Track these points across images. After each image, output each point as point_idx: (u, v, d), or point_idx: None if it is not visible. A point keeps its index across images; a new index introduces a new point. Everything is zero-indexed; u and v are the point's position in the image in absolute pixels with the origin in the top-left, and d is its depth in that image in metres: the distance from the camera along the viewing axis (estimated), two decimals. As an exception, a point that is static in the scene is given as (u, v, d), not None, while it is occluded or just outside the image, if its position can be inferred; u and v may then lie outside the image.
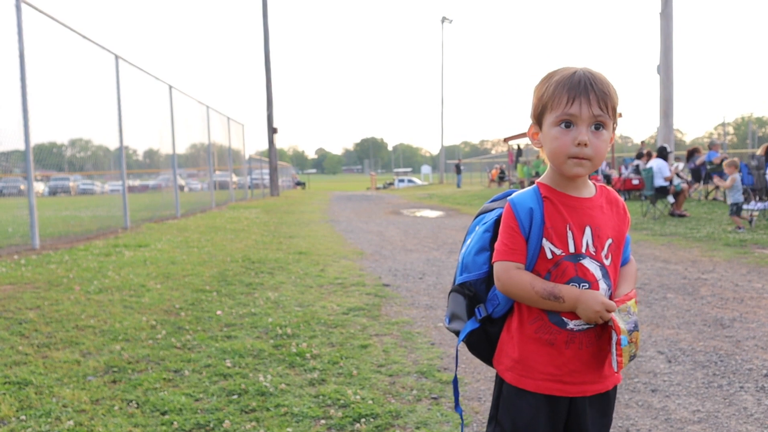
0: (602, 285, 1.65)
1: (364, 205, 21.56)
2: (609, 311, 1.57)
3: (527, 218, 1.62)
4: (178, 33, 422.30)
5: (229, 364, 3.72)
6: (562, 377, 1.64)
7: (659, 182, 13.05)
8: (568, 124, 1.57)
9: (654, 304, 5.34)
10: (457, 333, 1.79)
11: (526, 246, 1.63)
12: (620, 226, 1.71)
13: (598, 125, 1.59)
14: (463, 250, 1.82)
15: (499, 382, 1.73)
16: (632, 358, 1.61)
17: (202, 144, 19.72)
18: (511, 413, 1.68)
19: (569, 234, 1.63)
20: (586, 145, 1.57)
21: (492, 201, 1.85)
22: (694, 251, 8.26)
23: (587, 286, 1.63)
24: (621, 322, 1.58)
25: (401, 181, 56.53)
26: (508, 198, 1.69)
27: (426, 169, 74.68)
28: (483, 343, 1.76)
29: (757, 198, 12.88)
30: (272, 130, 29.72)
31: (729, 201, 11.00)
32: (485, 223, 1.77)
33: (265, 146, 31.99)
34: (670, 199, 13.13)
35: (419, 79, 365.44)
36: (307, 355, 3.91)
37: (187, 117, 17.25)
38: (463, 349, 1.88)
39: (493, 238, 1.72)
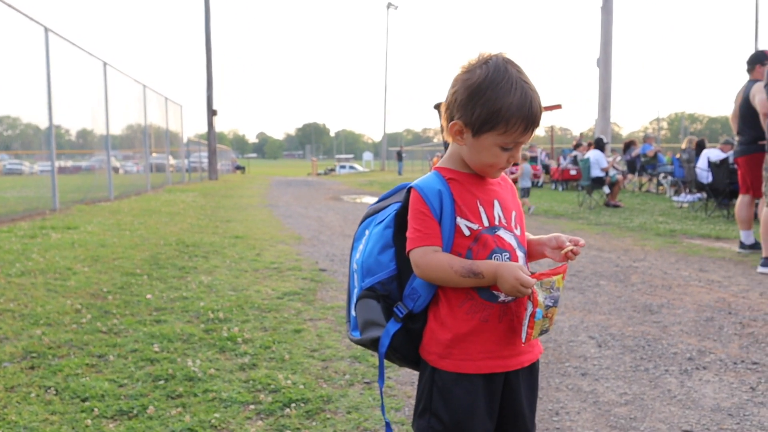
0: (519, 253, 1.68)
1: (305, 191, 21.41)
2: (525, 286, 1.55)
3: (437, 200, 1.63)
4: (113, 6, 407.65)
5: (156, 349, 3.60)
6: (500, 352, 1.64)
7: (596, 173, 13.40)
8: (509, 148, 1.61)
9: (587, 290, 5.47)
10: (373, 342, 1.72)
11: (439, 229, 1.63)
12: (515, 201, 1.77)
13: None
14: (357, 257, 1.78)
15: (431, 372, 1.69)
16: (543, 332, 1.62)
17: (138, 125, 19.10)
18: (449, 402, 1.65)
19: (481, 209, 1.65)
20: (517, 162, 1.67)
21: (380, 200, 1.83)
22: (627, 240, 8.51)
23: (508, 256, 1.65)
24: (540, 295, 1.57)
25: (343, 167, 56.42)
26: (412, 185, 1.68)
27: (368, 155, 74.71)
28: (407, 343, 1.71)
29: (687, 190, 13.42)
30: (212, 112, 29.08)
31: (518, 186, 12.43)
32: (382, 221, 1.75)
33: (204, 129, 31.34)
34: (606, 189, 13.52)
35: (363, 65, 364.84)
36: (239, 339, 3.84)
37: (122, 96, 16.67)
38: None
39: (396, 233, 1.70)
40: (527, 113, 1.57)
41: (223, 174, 37.45)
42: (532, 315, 1.57)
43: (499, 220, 1.67)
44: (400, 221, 1.70)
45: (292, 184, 26.86)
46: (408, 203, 1.68)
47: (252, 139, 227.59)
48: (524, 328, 1.59)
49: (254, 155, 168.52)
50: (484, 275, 1.58)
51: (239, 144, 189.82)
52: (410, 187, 1.69)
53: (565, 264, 1.66)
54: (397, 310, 1.70)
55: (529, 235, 1.81)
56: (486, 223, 1.65)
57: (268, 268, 6.25)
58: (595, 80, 20.10)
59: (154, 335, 3.86)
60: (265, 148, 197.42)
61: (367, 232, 1.79)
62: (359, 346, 3.73)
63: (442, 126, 1.73)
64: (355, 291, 1.80)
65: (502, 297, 1.63)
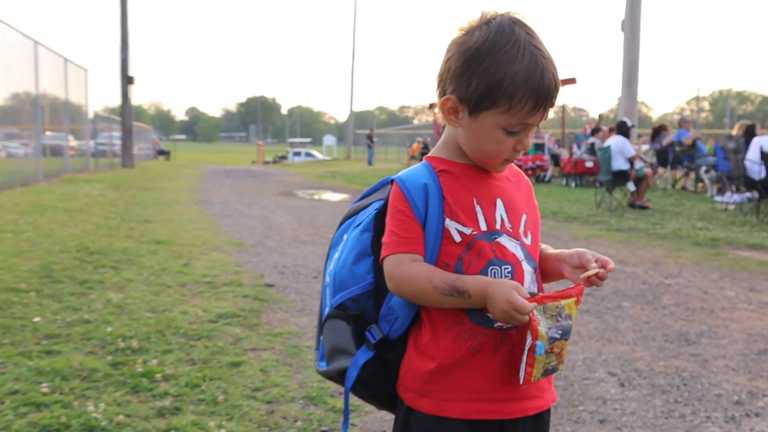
0: (526, 267, 1.67)
1: (248, 184, 21.31)
2: (520, 312, 1.53)
3: (422, 197, 1.64)
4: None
5: (45, 390, 3.53)
6: (493, 393, 1.64)
7: (618, 165, 13.52)
8: (516, 131, 1.61)
9: (606, 314, 5.51)
10: (341, 374, 1.72)
11: (422, 233, 1.64)
12: (529, 202, 1.77)
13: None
14: (330, 268, 1.80)
15: (406, 412, 1.69)
16: (549, 372, 1.61)
17: (26, 93, 18.77)
18: None
19: (478, 209, 1.66)
20: (526, 149, 1.66)
21: (363, 197, 1.85)
22: (657, 251, 8.62)
23: (509, 270, 1.64)
24: (542, 324, 1.55)
25: (297, 154, 56.31)
26: (394, 177, 1.70)
27: (330, 140, 74.58)
28: (381, 378, 1.71)
29: (734, 188, 13.61)
30: (127, 80, 28.78)
31: None
32: (360, 224, 1.76)
33: (116, 101, 30.96)
34: (631, 186, 13.66)
35: (325, 27, 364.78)
36: (158, 375, 3.79)
37: (5, 55, 16.35)
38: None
39: (376, 237, 1.72)
40: (537, 86, 1.56)
41: (141, 160, 37.09)
42: (531, 349, 1.56)
43: (502, 224, 1.67)
44: (380, 223, 1.71)
45: (231, 174, 26.70)
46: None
47: (180, 115, 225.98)
48: (522, 366, 1.58)
49: (183, 137, 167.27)
50: (471, 294, 1.57)
51: (163, 122, 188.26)
52: (392, 180, 1.70)
53: (580, 285, 1.64)
54: (370, 334, 1.70)
55: (547, 248, 1.80)
56: (483, 227, 1.65)
57: (198, 282, 6.21)
58: (618, 48, 20.32)
59: (43, 371, 3.78)
60: (196, 128, 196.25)
61: (345, 237, 1.80)
62: (315, 385, 3.71)
63: (436, 104, 1.73)
64: (325, 310, 1.81)
65: (499, 322, 1.61)
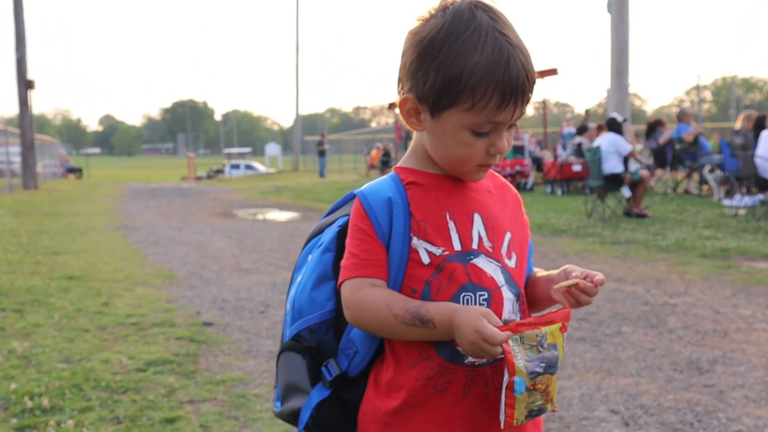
0: (506, 293, 1.68)
1: (178, 204, 21.18)
2: (490, 343, 1.52)
3: (385, 214, 1.66)
4: None
5: (-60, 460, 3.46)
6: None
7: (611, 167, 13.64)
8: (486, 131, 1.62)
9: (604, 341, 5.56)
10: (295, 416, 1.74)
11: (385, 255, 1.66)
12: (517, 218, 1.79)
13: (515, 124, 1.67)
14: (291, 293, 1.83)
15: None
16: (535, 413, 1.59)
17: None
18: None
19: (450, 225, 1.67)
20: (502, 153, 1.66)
21: (329, 213, 1.88)
22: (660, 266, 8.73)
23: (485, 296, 1.65)
24: (520, 356, 1.54)
25: (235, 167, 56.09)
26: (356, 192, 1.73)
27: (273, 149, 74.39)
28: (338, 421, 1.72)
29: (744, 190, 13.80)
30: (26, 84, 28.42)
31: None
32: (323, 244, 1.79)
33: (14, 110, 30.57)
34: (625, 192, 13.81)
35: (263, 17, 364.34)
36: (76, 438, 3.73)
37: None
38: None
39: (338, 258, 1.74)
40: (503, 77, 1.56)
41: (46, 180, 36.59)
42: (509, 387, 1.55)
43: (479, 243, 1.68)
44: (344, 242, 1.72)
45: (157, 193, 26.51)
46: None
47: (93, 125, 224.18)
48: (501, 407, 1.57)
49: (97, 150, 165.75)
50: (436, 323, 1.58)
51: (73, 134, 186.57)
52: (354, 195, 1.73)
53: (565, 308, 1.65)
54: (326, 370, 1.72)
55: (539, 271, 1.82)
56: (457, 246, 1.66)
57: (121, 324, 6.16)
58: (606, 32, 20.58)
59: (-63, 438, 3.71)
60: (113, 139, 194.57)
61: (309, 258, 1.83)
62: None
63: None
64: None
65: (470, 357, 1.62)
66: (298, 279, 1.83)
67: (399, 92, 1.69)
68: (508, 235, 1.72)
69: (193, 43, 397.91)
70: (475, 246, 1.67)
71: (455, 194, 1.70)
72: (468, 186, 1.72)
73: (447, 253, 1.65)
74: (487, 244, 1.68)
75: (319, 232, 1.85)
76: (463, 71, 1.56)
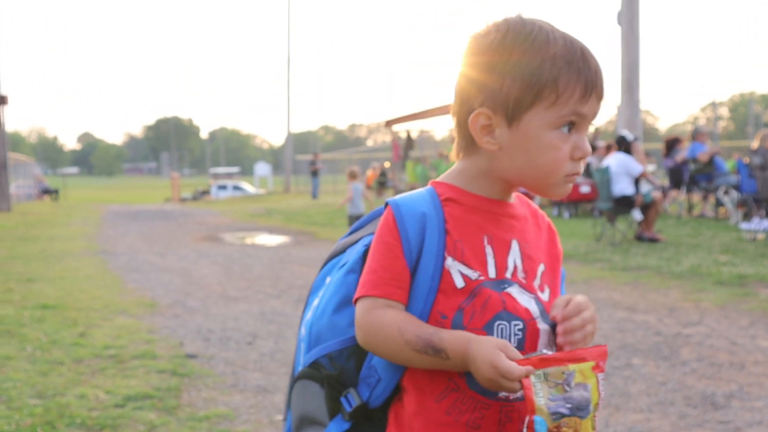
0: (542, 325, 1.66)
1: (161, 227, 21.17)
2: (506, 378, 1.50)
3: (416, 230, 1.63)
4: None
5: None
6: None
7: (621, 189, 13.66)
8: (570, 126, 1.63)
9: (613, 374, 5.55)
10: None
11: (408, 275, 1.63)
12: (551, 249, 1.79)
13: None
14: (307, 317, 1.81)
15: None
16: None
17: None
18: None
19: (488, 249, 1.65)
20: (587, 154, 1.66)
21: (352, 231, 1.87)
22: (673, 293, 8.73)
23: (521, 327, 1.63)
24: (541, 394, 1.50)
25: (222, 188, 56.08)
26: (389, 201, 1.69)
27: (263, 168, 74.46)
28: None
29: (763, 212, 13.79)
30: None
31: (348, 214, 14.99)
32: (346, 264, 1.77)
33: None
34: (637, 215, 13.80)
35: (253, 30, 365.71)
36: (49, 479, 3.71)
37: None
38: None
39: None
40: (582, 65, 1.61)
41: (20, 201, 36.59)
42: (529, 426, 1.50)
43: (514, 272, 1.67)
44: None
45: (139, 216, 26.49)
46: None
47: (71, 144, 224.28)
48: None
49: (75, 170, 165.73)
50: (449, 354, 1.56)
51: (49, 152, 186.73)
52: (387, 204, 1.70)
53: (602, 346, 1.60)
54: (346, 400, 1.68)
55: None
56: (492, 273, 1.65)
57: (99, 356, 6.14)
58: (616, 45, 20.68)
59: None
60: (92, 158, 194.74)
61: (328, 280, 1.81)
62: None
63: (452, 137, 1.75)
64: (298, 369, 1.81)
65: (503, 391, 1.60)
66: (315, 302, 1.81)
67: (455, 119, 1.70)
68: (541, 267, 1.72)
69: (178, 58, 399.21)
70: (509, 275, 1.66)
71: (495, 218, 1.69)
72: (507, 212, 1.71)
73: (482, 278, 1.63)
74: (520, 275, 1.67)
75: (341, 251, 1.83)
76: (543, 64, 1.59)
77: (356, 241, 1.81)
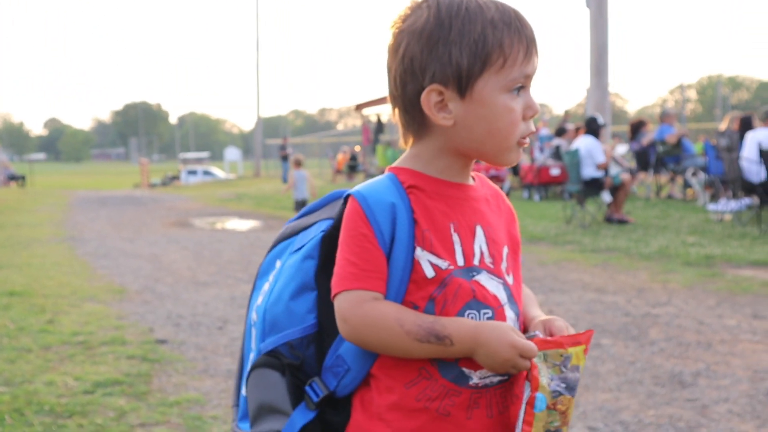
0: (509, 312, 1.68)
1: (130, 213, 21.02)
2: (525, 357, 1.56)
3: (387, 220, 1.62)
4: None
5: None
6: None
7: (590, 172, 13.75)
8: (520, 88, 1.65)
9: (583, 355, 5.58)
10: None
11: (386, 265, 1.62)
12: (512, 232, 1.78)
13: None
14: (258, 303, 1.78)
15: None
16: None
17: None
18: None
19: (455, 237, 1.65)
20: (536, 112, 1.69)
21: (303, 215, 1.85)
22: (641, 274, 8.81)
23: (489, 315, 1.65)
24: (544, 374, 1.57)
25: (192, 173, 55.79)
26: (352, 192, 1.67)
27: (233, 153, 74.15)
28: None
29: (730, 194, 13.92)
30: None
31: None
32: (302, 248, 1.74)
33: (-47, 115, 30.32)
34: (606, 197, 13.90)
35: (222, 14, 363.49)
36: (18, 466, 3.70)
37: None
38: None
39: (321, 267, 1.70)
40: (519, 26, 1.63)
41: (-14, 189, 36.25)
42: (530, 403, 1.56)
43: (481, 259, 1.67)
44: (328, 249, 1.69)
45: (108, 202, 26.26)
46: (341, 221, 1.67)
47: (37, 129, 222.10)
48: (519, 424, 1.58)
49: (42, 156, 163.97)
50: (453, 340, 1.57)
51: (15, 138, 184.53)
52: (348, 195, 1.67)
53: (590, 330, 1.66)
54: (311, 390, 1.67)
55: (530, 305, 1.82)
56: (460, 261, 1.65)
57: (67, 343, 6.11)
58: (584, 28, 20.74)
59: None
60: (59, 144, 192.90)
61: (278, 264, 1.79)
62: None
63: (398, 123, 1.73)
64: (250, 356, 1.78)
65: (475, 378, 1.63)
66: (265, 287, 1.78)
67: (396, 105, 1.71)
68: (505, 250, 1.73)
69: (146, 42, 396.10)
70: (476, 262, 1.66)
71: (458, 203, 1.69)
72: (469, 195, 1.71)
73: (452, 267, 1.63)
74: (488, 260, 1.68)
75: (291, 234, 1.81)
76: (485, 30, 1.60)
77: (309, 226, 1.78)
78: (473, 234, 1.67)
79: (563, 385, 1.58)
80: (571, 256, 10.38)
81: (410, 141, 1.72)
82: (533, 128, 1.68)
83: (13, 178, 48.29)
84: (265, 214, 19.67)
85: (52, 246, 13.06)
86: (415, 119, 1.67)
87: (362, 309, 1.59)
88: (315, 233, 1.73)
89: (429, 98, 1.63)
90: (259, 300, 1.77)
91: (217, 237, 14.48)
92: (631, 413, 4.43)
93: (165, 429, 4.26)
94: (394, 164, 1.73)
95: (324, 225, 1.73)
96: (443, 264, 1.62)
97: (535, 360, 1.55)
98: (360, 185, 1.69)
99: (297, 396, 1.68)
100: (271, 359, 1.71)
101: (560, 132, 20.84)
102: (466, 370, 1.61)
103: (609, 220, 13.77)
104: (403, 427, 1.62)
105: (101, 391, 4.88)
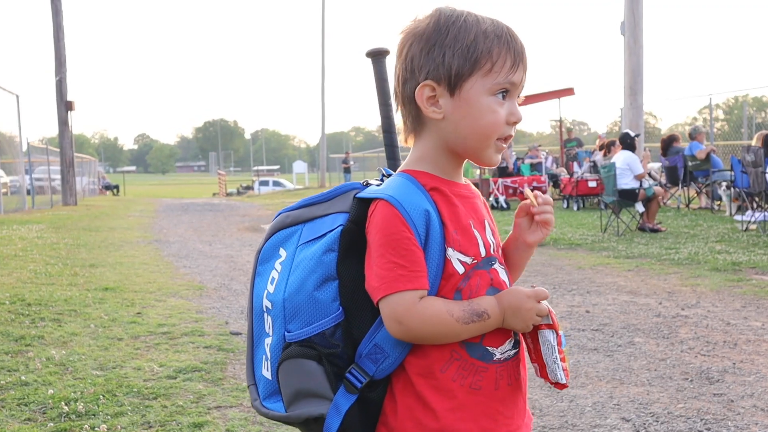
0: None
1: (209, 219, 21.27)
2: (542, 296, 1.67)
3: (422, 223, 1.64)
4: None
5: (-20, 463, 3.49)
6: (497, 429, 1.70)
7: (625, 183, 13.61)
8: (504, 94, 1.69)
9: (617, 352, 5.54)
10: (311, 422, 1.68)
11: (425, 265, 1.65)
12: (493, 219, 1.85)
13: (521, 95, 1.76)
14: (270, 290, 1.74)
15: None
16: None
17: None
18: None
19: (476, 233, 1.71)
20: (519, 119, 1.70)
21: (304, 205, 1.80)
22: (672, 279, 8.68)
23: None
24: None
25: (264, 183, 56.23)
26: (381, 195, 1.66)
27: (300, 166, 74.51)
28: (361, 422, 1.70)
29: (755, 205, 13.72)
30: (66, 105, 28.69)
31: None
32: (316, 240, 1.70)
33: (54, 130, 30.86)
34: (639, 207, 13.75)
35: (290, 39, 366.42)
36: (108, 442, 3.76)
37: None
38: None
39: (342, 259, 1.68)
40: (509, 39, 1.68)
41: (85, 196, 36.89)
42: (559, 342, 1.69)
43: (496, 249, 1.76)
44: (347, 242, 1.68)
45: (189, 209, 26.61)
46: (359, 218, 1.68)
47: (129, 144, 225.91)
48: (557, 365, 1.70)
49: (133, 168, 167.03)
50: (489, 314, 1.65)
51: (110, 152, 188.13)
52: (377, 199, 1.66)
53: (554, 318, 1.72)
54: (353, 377, 1.66)
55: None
56: (483, 253, 1.71)
57: (153, 333, 6.20)
58: (619, 53, 20.56)
59: (-23, 441, 3.75)
60: (148, 158, 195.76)
61: (283, 253, 1.75)
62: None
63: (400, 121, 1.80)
64: (268, 341, 1.75)
65: (497, 355, 1.69)
66: (273, 274, 1.74)
67: (399, 100, 1.76)
68: (497, 238, 1.81)
69: (224, 65, 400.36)
70: (493, 251, 1.74)
71: (469, 202, 1.75)
72: (472, 192, 1.78)
73: (476, 261, 1.69)
74: (494, 249, 1.76)
75: (294, 224, 1.77)
76: (477, 38, 1.65)
77: (318, 217, 1.74)
78: (484, 228, 1.74)
79: (562, 332, 1.72)
80: (606, 261, 10.27)
81: (411, 140, 1.77)
82: (512, 133, 1.72)
83: (108, 187, 49.25)
84: (328, 221, 19.69)
85: (141, 248, 13.25)
86: (411, 114, 1.73)
87: (417, 309, 1.60)
88: (332, 226, 1.70)
89: (422, 92, 1.68)
90: (271, 288, 1.74)
91: (285, 241, 14.54)
92: (661, 406, 4.37)
93: (237, 411, 4.29)
94: (405, 165, 1.76)
95: (340, 219, 1.70)
96: (469, 260, 1.68)
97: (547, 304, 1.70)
98: (382, 188, 1.69)
99: (332, 381, 1.68)
100: (305, 349, 1.68)
101: (603, 148, 20.56)
102: (489, 348, 1.68)
103: (642, 228, 13.63)
104: (444, 407, 1.65)
105: (182, 377, 4.95)
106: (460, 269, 1.66)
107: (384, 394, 1.70)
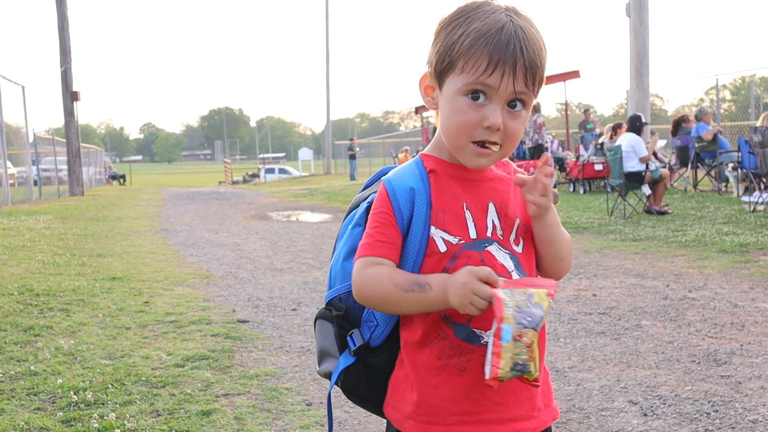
0: (516, 277, 1.72)
1: (215, 207, 21.29)
2: (487, 282, 1.56)
3: (407, 202, 1.70)
4: None
5: (-10, 452, 3.50)
6: (481, 414, 1.69)
7: (631, 166, 13.57)
8: (477, 95, 1.65)
9: (624, 335, 5.53)
10: (328, 377, 1.83)
11: (400, 238, 1.70)
12: (525, 203, 1.78)
13: (516, 103, 1.67)
14: (332, 261, 1.91)
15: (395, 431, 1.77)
16: (518, 368, 1.56)
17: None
18: None
19: (467, 214, 1.72)
20: (498, 129, 1.66)
21: (364, 188, 1.95)
22: (679, 261, 8.67)
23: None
24: (508, 306, 1.55)
25: (270, 171, 56.38)
26: (383, 178, 1.78)
27: (306, 153, 74.61)
28: (363, 383, 1.80)
29: (762, 186, 13.68)
30: (72, 96, 28.70)
31: None
32: (353, 217, 1.86)
33: (60, 121, 30.89)
34: (646, 190, 13.72)
35: (294, 26, 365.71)
36: (117, 431, 3.78)
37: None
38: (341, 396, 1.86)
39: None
40: (492, 40, 1.61)
41: (92, 186, 37.01)
42: (496, 335, 1.55)
43: (493, 231, 1.73)
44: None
45: (196, 197, 26.65)
46: None
47: (135, 134, 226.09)
48: (488, 357, 1.56)
49: (139, 158, 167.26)
50: (432, 285, 1.63)
51: (116, 142, 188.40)
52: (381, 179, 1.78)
53: (552, 281, 1.66)
54: (351, 340, 1.79)
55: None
56: (473, 235, 1.71)
57: (161, 322, 6.21)
58: (625, 35, 20.46)
59: (-13, 431, 3.75)
60: (154, 147, 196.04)
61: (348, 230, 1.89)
62: (299, 431, 3.70)
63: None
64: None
65: (485, 337, 1.67)
66: (338, 248, 1.89)
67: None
68: (517, 222, 1.77)
69: (228, 53, 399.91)
70: (489, 234, 1.73)
71: (471, 184, 1.75)
72: (483, 176, 1.76)
73: (463, 241, 1.70)
74: (499, 232, 1.74)
75: (356, 205, 1.90)
76: (461, 37, 1.65)
77: (365, 198, 1.87)
78: (485, 210, 1.74)
79: (528, 319, 1.56)
80: (613, 244, 10.25)
81: (438, 125, 1.80)
82: (490, 139, 1.67)
83: (114, 177, 49.33)
84: (334, 208, 19.74)
85: (148, 237, 13.27)
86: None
87: (365, 272, 1.69)
88: (364, 205, 1.84)
89: (423, 80, 1.77)
90: (332, 260, 1.91)
91: (291, 228, 14.58)
92: (669, 389, 4.37)
93: (245, 399, 4.31)
94: (424, 150, 1.83)
95: (371, 198, 1.82)
96: (454, 240, 1.70)
97: (501, 294, 1.56)
98: (392, 172, 1.79)
99: (342, 342, 1.82)
100: (326, 311, 1.87)
101: (615, 130, 20.48)
102: (477, 330, 1.68)
103: (648, 211, 13.59)
104: (426, 382, 1.71)
105: (190, 365, 4.96)
106: (442, 247, 1.69)
107: (390, 362, 1.79)
